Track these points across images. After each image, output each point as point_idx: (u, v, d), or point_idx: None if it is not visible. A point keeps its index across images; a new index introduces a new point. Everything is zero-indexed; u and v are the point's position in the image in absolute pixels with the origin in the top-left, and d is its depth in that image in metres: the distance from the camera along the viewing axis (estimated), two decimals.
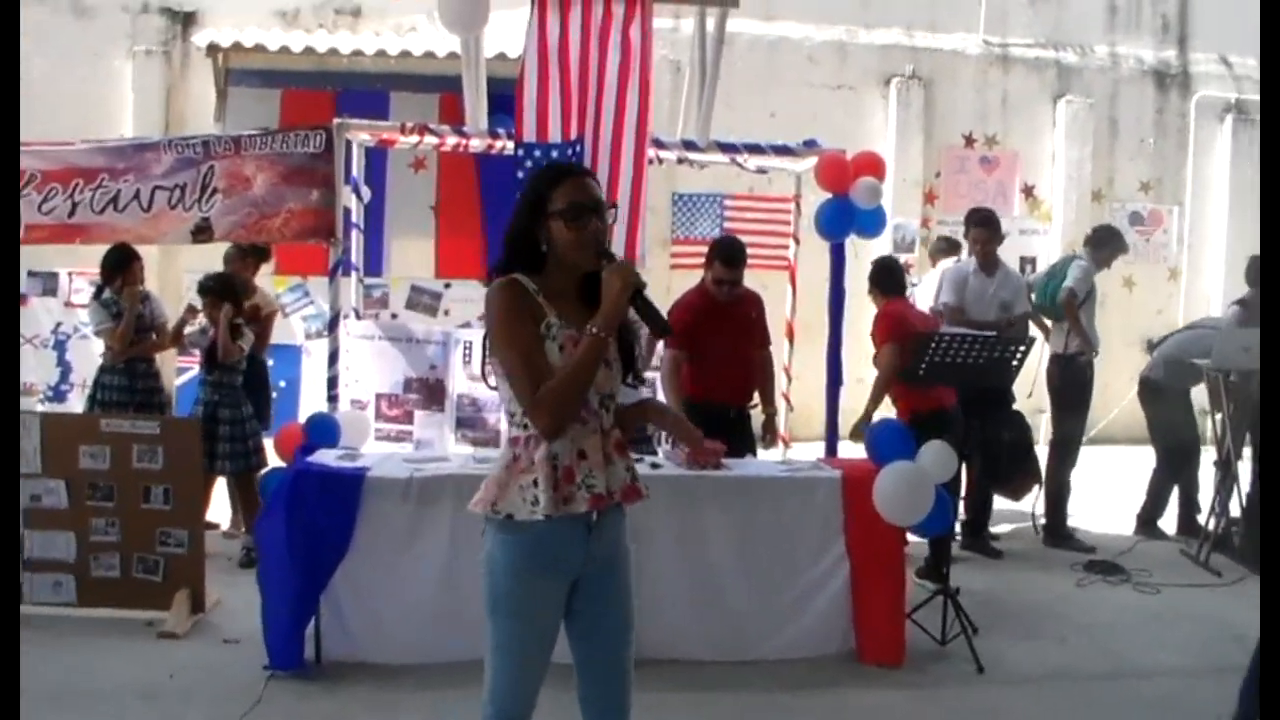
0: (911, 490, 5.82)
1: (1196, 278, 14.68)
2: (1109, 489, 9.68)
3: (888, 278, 7.80)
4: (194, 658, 5.83)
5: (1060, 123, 14.07)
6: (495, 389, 3.46)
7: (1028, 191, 14.09)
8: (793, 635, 5.97)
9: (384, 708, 5.25)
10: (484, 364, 3.45)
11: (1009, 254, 11.62)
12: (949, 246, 10.43)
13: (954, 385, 6.95)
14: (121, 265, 7.77)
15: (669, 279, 10.94)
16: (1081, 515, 9.13)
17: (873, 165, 7.44)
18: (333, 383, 7.59)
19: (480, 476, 5.62)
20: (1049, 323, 9.10)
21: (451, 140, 8.03)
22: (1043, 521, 8.83)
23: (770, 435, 7.22)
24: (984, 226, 8.47)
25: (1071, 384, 8.84)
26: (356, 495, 5.61)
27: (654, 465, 6.08)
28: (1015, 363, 6.82)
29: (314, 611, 5.62)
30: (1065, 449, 8.92)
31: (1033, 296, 8.95)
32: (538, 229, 3.39)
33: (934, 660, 6.10)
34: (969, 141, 13.93)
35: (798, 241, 8.87)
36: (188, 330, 7.79)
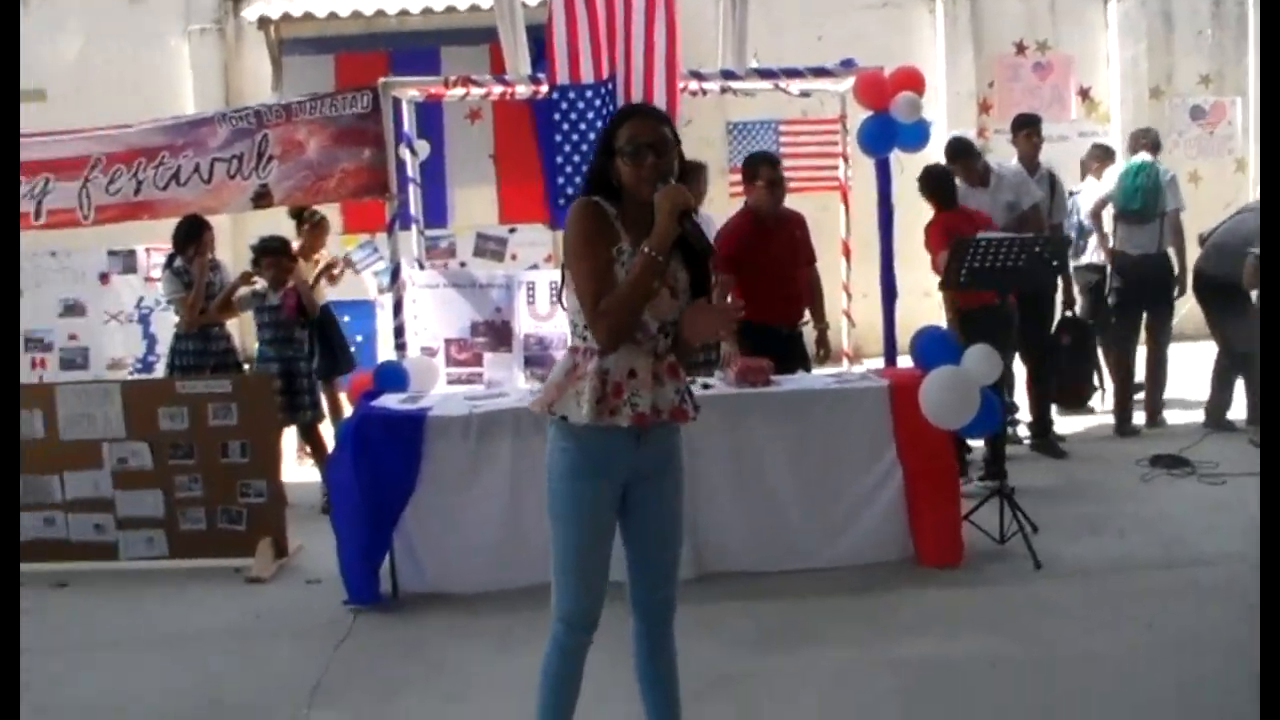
0: (957, 394, 5.94)
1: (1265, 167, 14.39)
2: (1181, 384, 9.70)
3: (935, 188, 7.92)
4: (280, 599, 6.17)
5: (1112, 22, 13.85)
6: (566, 308, 3.63)
7: (1084, 94, 13.92)
8: (850, 543, 6.14)
9: (461, 633, 5.50)
10: (562, 281, 3.63)
11: (1069, 158, 11.59)
12: (1103, 154, 10.42)
13: (996, 289, 7.03)
14: (192, 235, 8.05)
15: (729, 207, 11.02)
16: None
17: (911, 80, 7.50)
18: (399, 331, 7.82)
19: None
20: (1111, 227, 9.26)
21: (497, 89, 8.21)
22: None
23: (824, 350, 7.37)
24: (961, 158, 8.53)
25: (1168, 277, 9.16)
26: (419, 435, 5.86)
27: (705, 386, 6.26)
28: (1055, 261, 6.90)
29: (387, 548, 5.90)
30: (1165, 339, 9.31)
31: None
32: (610, 167, 3.57)
33: (992, 559, 6.22)
34: (1020, 49, 13.78)
35: (847, 160, 8.91)
36: (238, 296, 8.01)
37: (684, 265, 3.60)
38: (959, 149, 8.62)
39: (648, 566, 3.74)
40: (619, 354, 3.51)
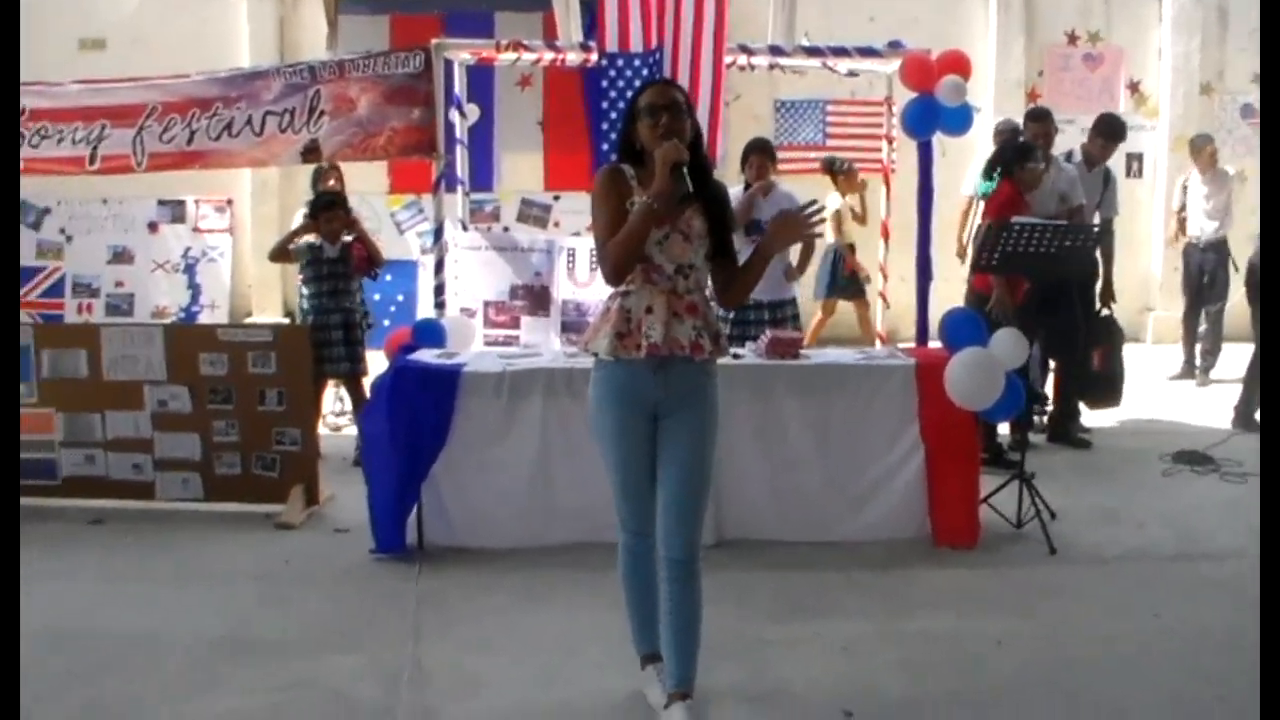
0: (981, 376, 6.00)
1: None
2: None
3: (1004, 156, 7.98)
4: (307, 545, 6.32)
5: (1166, 16, 13.65)
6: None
7: (1133, 88, 13.78)
8: (869, 518, 6.22)
9: (482, 587, 5.62)
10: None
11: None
12: None
13: (1029, 275, 7.05)
14: None
15: None
16: (1181, 409, 9.21)
17: (957, 63, 7.54)
18: (439, 290, 7.95)
19: (568, 370, 6.04)
20: None
21: (549, 56, 8.30)
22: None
23: None
24: (1040, 121, 8.54)
25: None
26: (453, 389, 5.98)
27: (735, 356, 6.34)
28: (1090, 247, 6.93)
29: (416, 499, 6.02)
30: None
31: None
32: (632, 132, 4.06)
33: (1008, 542, 6.29)
34: (1072, 39, 13.66)
35: (891, 143, 8.95)
36: (294, 246, 8.10)
37: (701, 213, 4.01)
38: (1042, 113, 8.72)
39: (667, 503, 3.99)
40: (639, 294, 3.98)
